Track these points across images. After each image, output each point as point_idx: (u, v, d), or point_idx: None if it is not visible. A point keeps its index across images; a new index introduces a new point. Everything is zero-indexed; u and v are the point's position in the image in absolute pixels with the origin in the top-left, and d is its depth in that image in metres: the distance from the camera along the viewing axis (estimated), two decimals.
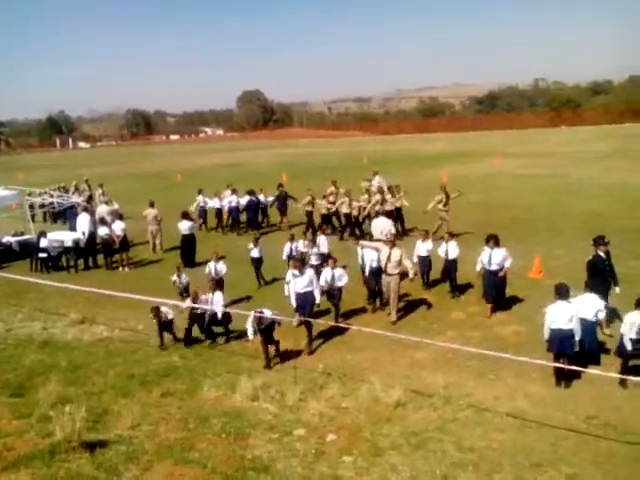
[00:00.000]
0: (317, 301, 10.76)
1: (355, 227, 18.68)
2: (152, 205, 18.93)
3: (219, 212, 21.46)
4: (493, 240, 11.47)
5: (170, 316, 10.72)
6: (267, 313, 9.72)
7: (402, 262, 11.57)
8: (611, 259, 10.88)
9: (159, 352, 10.25)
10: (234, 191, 21.39)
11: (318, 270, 12.03)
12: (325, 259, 12.77)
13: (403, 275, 11.88)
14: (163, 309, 10.59)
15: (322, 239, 13.86)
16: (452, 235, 13.64)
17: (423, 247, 13.43)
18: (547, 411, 7.88)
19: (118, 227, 16.73)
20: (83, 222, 17.45)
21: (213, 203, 21.53)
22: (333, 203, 19.12)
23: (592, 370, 8.50)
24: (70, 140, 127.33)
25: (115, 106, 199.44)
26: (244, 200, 21.08)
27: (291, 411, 7.70)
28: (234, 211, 21.10)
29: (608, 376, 8.20)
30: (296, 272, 10.54)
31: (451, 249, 12.90)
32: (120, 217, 17.57)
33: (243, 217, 21.60)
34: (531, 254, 15.56)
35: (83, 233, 17.21)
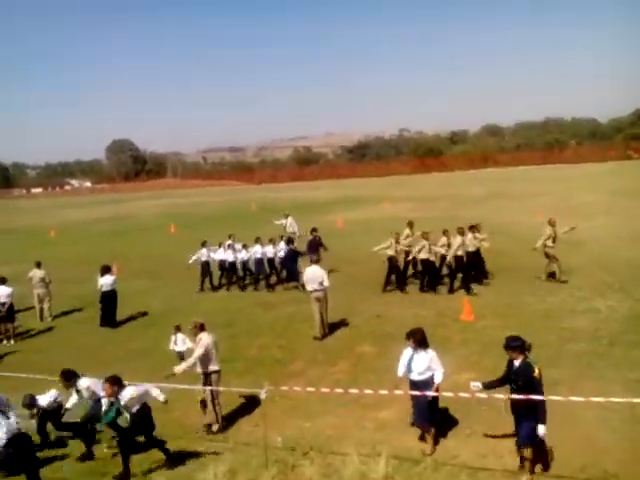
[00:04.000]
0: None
1: (434, 275, 16.60)
2: (39, 265, 16.68)
3: (230, 266, 18.68)
4: (413, 338, 7.99)
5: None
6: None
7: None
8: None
9: (80, 442, 8.48)
10: (257, 240, 18.74)
11: None
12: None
13: None
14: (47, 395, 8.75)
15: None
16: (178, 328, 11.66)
17: None
18: (539, 464, 7.37)
19: (4, 293, 14.38)
20: None
21: (225, 255, 18.61)
22: (409, 248, 17.17)
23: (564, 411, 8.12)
24: None
25: None
26: (277, 250, 18.51)
27: None
28: (259, 264, 18.51)
29: (580, 417, 7.90)
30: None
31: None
32: (3, 281, 15.10)
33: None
34: (455, 295, 15.61)
35: None
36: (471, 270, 16.46)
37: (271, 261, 18.64)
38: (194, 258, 18.90)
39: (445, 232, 16.58)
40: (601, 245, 21.32)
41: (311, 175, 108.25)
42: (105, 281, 15.28)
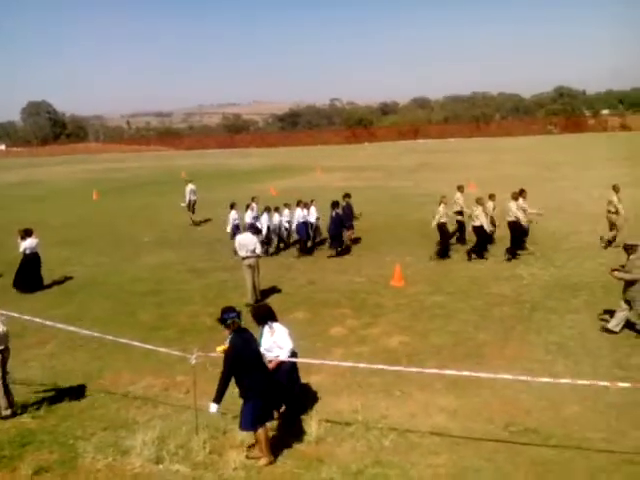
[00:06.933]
0: None
1: (485, 243, 16.07)
2: None
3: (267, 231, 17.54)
4: (252, 315, 7.64)
5: None
6: None
7: None
8: None
9: None
10: (300, 204, 17.87)
11: None
12: None
13: None
14: None
15: None
16: None
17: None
18: (466, 423, 7.61)
19: None
20: None
21: (263, 219, 17.44)
22: (460, 213, 17.03)
23: (483, 374, 8.35)
24: None
25: None
26: (313, 215, 17.89)
27: (207, 469, 6.35)
28: (303, 229, 17.58)
29: (502, 379, 8.16)
30: None
31: None
32: None
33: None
34: (386, 262, 15.79)
35: None
36: (523, 236, 16.15)
37: (310, 226, 17.97)
38: (231, 226, 17.83)
39: (491, 196, 16.45)
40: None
41: (242, 143, 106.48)
42: (29, 244, 14.61)
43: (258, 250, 12.77)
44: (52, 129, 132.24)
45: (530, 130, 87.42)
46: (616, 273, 10.30)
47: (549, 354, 9.59)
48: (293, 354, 7.65)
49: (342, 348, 10.38)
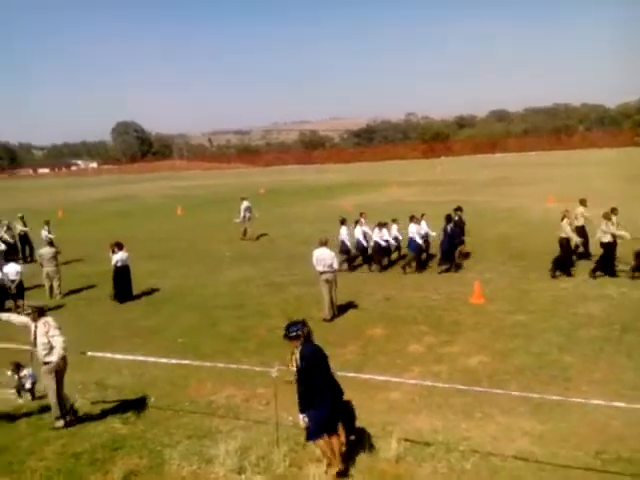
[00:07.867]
0: None
1: (612, 259, 15.10)
2: (50, 244, 16.70)
3: (380, 248, 17.38)
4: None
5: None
6: None
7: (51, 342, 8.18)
8: None
9: (94, 419, 8.52)
10: (413, 219, 17.31)
11: None
12: None
13: None
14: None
15: None
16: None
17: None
18: (552, 449, 7.32)
19: (13, 270, 14.42)
20: None
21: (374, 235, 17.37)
22: (583, 228, 16.47)
23: (576, 399, 8.06)
24: None
25: None
26: (424, 229, 17.32)
27: None
28: (415, 245, 16.94)
29: (592, 404, 7.80)
30: None
31: None
32: (11, 258, 15.14)
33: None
34: (465, 279, 15.51)
35: None
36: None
37: (423, 240, 17.42)
38: (343, 239, 17.63)
39: (613, 210, 15.55)
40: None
41: (318, 158, 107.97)
42: (120, 257, 15.44)
43: (335, 265, 12.89)
44: (140, 147, 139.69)
45: (616, 142, 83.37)
46: None
47: None
48: None
49: (420, 366, 10.26)
